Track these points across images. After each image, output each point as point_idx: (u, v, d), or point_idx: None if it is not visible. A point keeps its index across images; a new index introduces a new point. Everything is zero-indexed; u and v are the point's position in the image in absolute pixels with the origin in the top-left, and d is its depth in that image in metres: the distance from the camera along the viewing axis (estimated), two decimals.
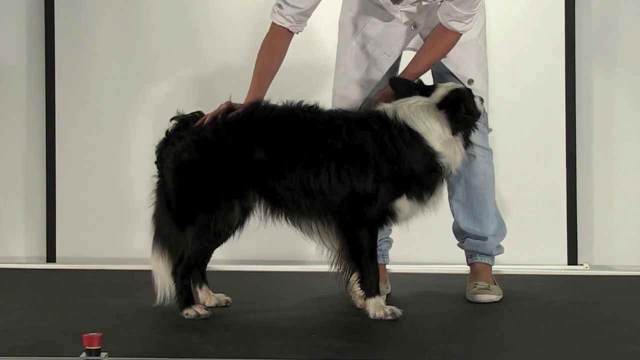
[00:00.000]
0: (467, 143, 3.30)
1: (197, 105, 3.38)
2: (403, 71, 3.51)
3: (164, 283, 3.30)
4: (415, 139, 3.20)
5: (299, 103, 3.28)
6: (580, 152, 4.56)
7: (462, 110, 3.23)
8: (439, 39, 3.48)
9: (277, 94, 3.33)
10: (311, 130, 3.22)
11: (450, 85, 3.34)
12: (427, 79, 3.64)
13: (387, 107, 3.27)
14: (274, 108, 3.28)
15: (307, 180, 3.17)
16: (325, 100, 3.42)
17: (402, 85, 3.35)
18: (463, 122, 3.24)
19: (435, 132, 3.21)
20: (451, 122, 3.21)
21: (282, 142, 3.20)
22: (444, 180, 3.29)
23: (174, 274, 3.26)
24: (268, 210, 3.25)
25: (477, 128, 3.35)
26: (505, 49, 4.51)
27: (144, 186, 3.38)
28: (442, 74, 3.62)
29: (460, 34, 3.46)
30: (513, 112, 4.53)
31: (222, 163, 3.19)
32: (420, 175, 3.21)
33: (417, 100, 3.27)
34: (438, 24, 3.47)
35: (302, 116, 3.25)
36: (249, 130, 3.22)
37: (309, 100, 3.30)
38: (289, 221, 3.27)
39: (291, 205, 3.21)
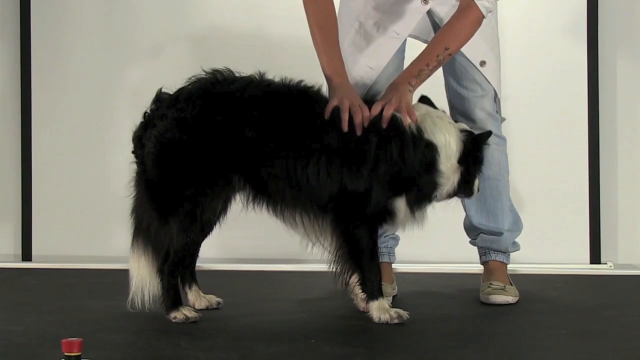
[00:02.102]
0: (463, 184, 3.28)
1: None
2: (408, 65, 3.43)
3: (142, 285, 3.28)
4: (429, 151, 3.20)
5: (298, 82, 3.26)
6: (603, 141, 4.57)
7: (484, 141, 3.28)
8: (458, 20, 3.40)
9: (272, 71, 3.29)
10: (308, 116, 3.20)
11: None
12: None
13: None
14: (269, 84, 3.25)
15: (294, 170, 3.16)
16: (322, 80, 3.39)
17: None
18: (475, 154, 3.26)
19: (449, 148, 3.21)
20: (466, 146, 3.23)
21: (274, 124, 3.18)
22: (430, 201, 3.28)
23: (161, 271, 3.24)
24: (250, 197, 3.24)
25: (477, 174, 3.34)
26: (523, 32, 4.51)
27: (127, 179, 3.37)
28: (453, 56, 3.60)
29: (483, 13, 3.39)
30: (530, 100, 4.53)
31: (210, 142, 3.16)
32: (419, 184, 3.21)
33: (443, 115, 3.30)
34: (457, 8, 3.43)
35: (299, 98, 3.23)
36: (240, 106, 3.19)
37: (307, 80, 3.27)
38: (270, 210, 3.25)
39: (274, 194, 3.20)
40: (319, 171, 3.15)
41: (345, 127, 3.15)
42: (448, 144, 3.22)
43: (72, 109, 4.77)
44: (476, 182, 3.35)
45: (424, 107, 3.31)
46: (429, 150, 3.20)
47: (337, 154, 3.16)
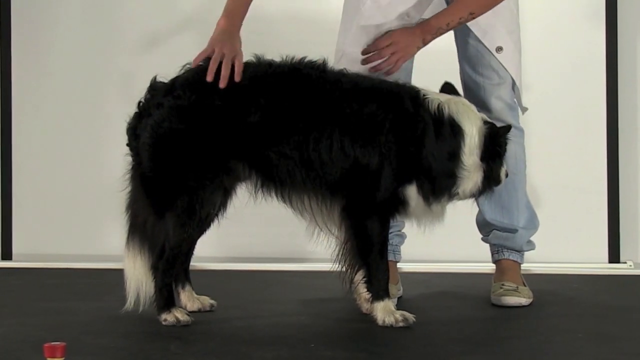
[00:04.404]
0: (488, 180, 3.29)
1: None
2: (427, 19, 3.47)
3: (138, 287, 3.28)
4: (453, 135, 3.22)
5: (301, 59, 3.27)
6: (623, 133, 4.58)
7: (503, 135, 3.28)
8: None
9: (275, 49, 3.29)
10: (316, 90, 3.21)
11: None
12: (450, 45, 3.64)
13: (430, 94, 3.27)
14: (271, 64, 3.26)
15: (306, 146, 3.17)
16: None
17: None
18: (494, 150, 3.27)
19: (473, 140, 3.23)
20: (486, 140, 3.24)
21: (281, 103, 3.19)
22: (451, 197, 3.27)
23: (155, 269, 3.25)
24: (258, 184, 3.25)
25: (501, 165, 3.34)
26: (536, 16, 4.50)
27: (114, 171, 3.38)
28: (467, 41, 3.61)
29: None
30: (545, 89, 4.54)
31: (210, 131, 3.17)
32: (434, 172, 3.21)
33: (469, 104, 3.32)
34: None
35: (305, 73, 3.24)
36: (241, 90, 3.20)
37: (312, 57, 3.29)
38: (279, 196, 3.26)
39: (284, 176, 3.21)
40: (331, 145, 3.16)
41: (210, 77, 3.19)
42: (473, 135, 3.23)
43: (56, 98, 4.76)
44: (503, 169, 3.34)
45: (446, 95, 3.32)
46: (454, 136, 3.22)
47: (351, 127, 3.17)
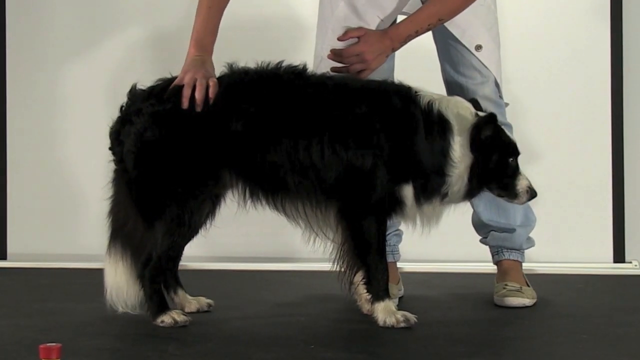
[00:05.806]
0: (474, 183, 3.25)
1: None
2: (396, 24, 3.48)
3: (118, 294, 3.28)
4: (441, 131, 3.21)
5: (278, 63, 3.27)
6: (628, 130, 4.57)
7: (486, 127, 3.23)
8: None
9: (249, 55, 3.30)
10: (300, 95, 3.21)
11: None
12: (430, 45, 3.65)
13: (422, 91, 3.28)
14: (247, 71, 3.26)
15: (296, 153, 3.16)
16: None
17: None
18: (487, 141, 3.23)
19: (460, 133, 3.21)
20: (472, 133, 3.22)
21: (265, 110, 3.19)
22: (441, 198, 3.26)
23: (141, 277, 3.24)
24: (247, 192, 3.24)
25: (505, 168, 3.30)
26: (537, 7, 4.49)
27: (108, 173, 3.38)
28: (447, 41, 3.62)
29: None
30: (547, 82, 4.53)
31: (195, 139, 3.17)
32: (425, 169, 3.21)
33: (461, 100, 3.31)
34: None
35: (285, 78, 3.24)
36: (222, 97, 3.20)
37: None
38: (270, 204, 3.26)
39: (275, 184, 3.21)
40: (323, 150, 3.16)
41: (185, 104, 3.18)
42: (460, 130, 3.22)
43: (49, 103, 4.76)
44: (521, 181, 3.30)
45: (441, 94, 3.33)
46: (442, 132, 3.21)
47: (342, 129, 3.17)
